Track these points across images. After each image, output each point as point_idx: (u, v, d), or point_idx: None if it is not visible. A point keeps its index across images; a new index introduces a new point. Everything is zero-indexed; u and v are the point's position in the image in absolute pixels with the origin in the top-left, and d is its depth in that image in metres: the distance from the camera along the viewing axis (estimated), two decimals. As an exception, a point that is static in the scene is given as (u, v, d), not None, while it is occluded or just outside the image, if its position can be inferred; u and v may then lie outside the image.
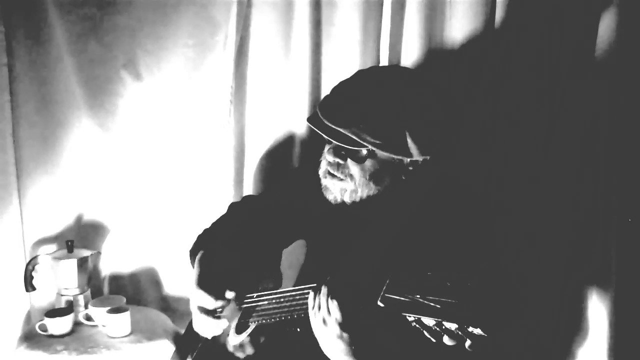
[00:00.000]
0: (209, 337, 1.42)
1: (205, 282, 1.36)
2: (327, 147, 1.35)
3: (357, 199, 1.33)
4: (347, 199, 1.33)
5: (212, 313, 1.35)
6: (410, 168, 1.31)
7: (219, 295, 1.33)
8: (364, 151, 1.28)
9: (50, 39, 1.89)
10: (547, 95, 1.69)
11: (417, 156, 1.26)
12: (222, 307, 1.35)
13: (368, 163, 1.29)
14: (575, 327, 1.70)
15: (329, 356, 1.19)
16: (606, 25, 1.57)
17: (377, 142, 1.23)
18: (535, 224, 1.70)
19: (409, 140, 1.23)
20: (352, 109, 1.26)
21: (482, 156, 1.73)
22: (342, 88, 1.34)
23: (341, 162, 1.31)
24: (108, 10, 1.89)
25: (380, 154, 1.28)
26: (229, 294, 1.33)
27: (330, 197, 1.36)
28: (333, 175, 1.33)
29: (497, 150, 1.73)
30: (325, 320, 1.14)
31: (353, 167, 1.30)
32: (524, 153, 1.71)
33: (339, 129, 1.26)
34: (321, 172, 1.37)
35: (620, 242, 1.62)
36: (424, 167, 1.31)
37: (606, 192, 1.62)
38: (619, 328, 1.63)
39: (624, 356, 1.65)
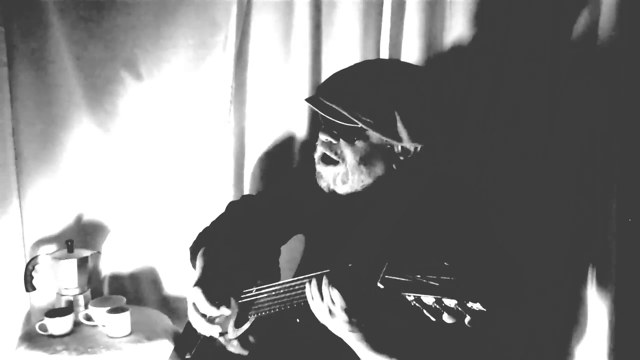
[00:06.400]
0: (204, 335, 1.41)
1: (207, 284, 1.36)
2: (321, 129, 1.37)
3: (349, 186, 1.34)
4: (339, 185, 1.35)
5: (206, 316, 1.36)
6: (402, 158, 1.33)
7: (214, 303, 1.33)
8: (356, 130, 1.30)
9: (50, 39, 1.89)
10: (547, 94, 1.69)
11: (406, 142, 1.28)
12: (216, 317, 1.36)
13: (359, 145, 1.32)
14: (575, 326, 1.70)
15: (347, 342, 1.20)
16: (607, 25, 1.58)
17: (368, 120, 1.26)
18: (534, 221, 1.70)
19: (399, 124, 1.26)
20: (348, 89, 1.31)
21: (481, 154, 1.73)
22: (340, 72, 1.38)
23: (333, 141, 1.34)
24: (108, 10, 1.89)
25: (372, 136, 1.30)
26: (225, 311, 1.34)
27: (323, 184, 1.38)
28: (327, 160, 1.35)
29: (496, 149, 1.73)
30: (331, 310, 1.15)
31: (345, 148, 1.33)
32: (523, 152, 1.71)
33: (332, 104, 1.29)
34: (316, 156, 1.39)
35: (620, 242, 1.62)
36: (417, 158, 1.32)
37: (606, 191, 1.62)
38: (619, 328, 1.64)
39: (624, 356, 1.65)
